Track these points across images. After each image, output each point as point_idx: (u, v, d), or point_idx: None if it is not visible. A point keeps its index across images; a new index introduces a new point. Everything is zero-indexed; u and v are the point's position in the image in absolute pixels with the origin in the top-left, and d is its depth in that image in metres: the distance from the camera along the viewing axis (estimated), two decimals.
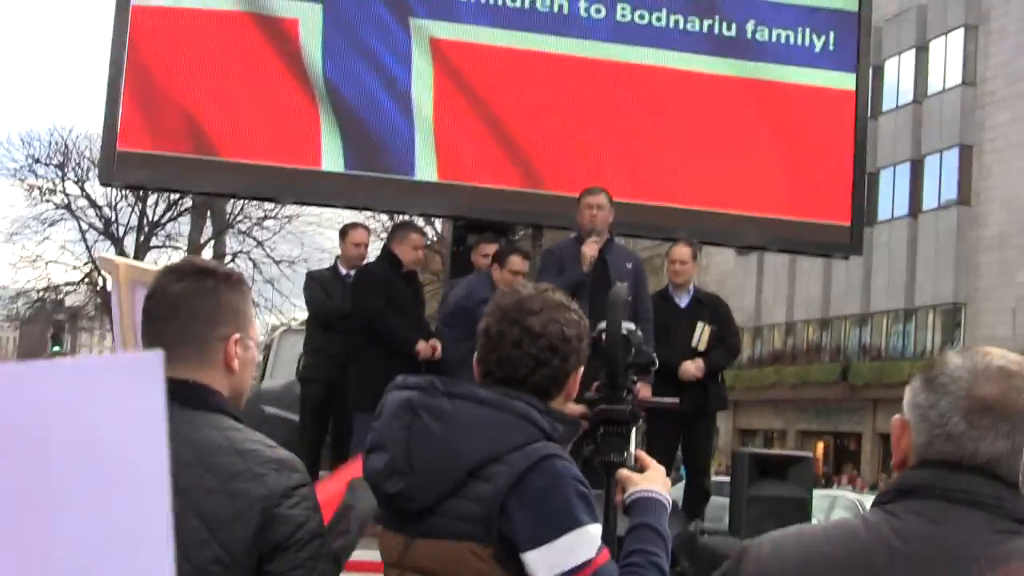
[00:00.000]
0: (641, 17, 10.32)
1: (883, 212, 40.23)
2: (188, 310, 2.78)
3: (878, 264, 39.71)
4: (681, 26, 10.40)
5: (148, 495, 0.85)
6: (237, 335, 2.82)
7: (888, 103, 40.91)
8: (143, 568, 0.84)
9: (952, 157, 38.43)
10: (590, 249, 8.50)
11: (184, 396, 2.66)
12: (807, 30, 10.62)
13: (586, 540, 2.86)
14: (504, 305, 3.11)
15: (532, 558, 2.84)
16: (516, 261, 8.75)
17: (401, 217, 14.61)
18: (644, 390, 4.30)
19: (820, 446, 43.79)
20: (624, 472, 3.22)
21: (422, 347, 8.79)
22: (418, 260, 9.49)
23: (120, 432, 0.84)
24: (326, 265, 11.05)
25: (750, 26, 10.51)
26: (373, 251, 11.16)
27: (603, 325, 3.39)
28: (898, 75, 40.94)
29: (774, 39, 10.56)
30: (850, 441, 44.15)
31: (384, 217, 28.96)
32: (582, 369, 3.16)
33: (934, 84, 39.51)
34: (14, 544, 0.79)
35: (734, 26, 10.49)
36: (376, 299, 8.87)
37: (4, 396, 0.82)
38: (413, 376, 3.16)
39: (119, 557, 0.83)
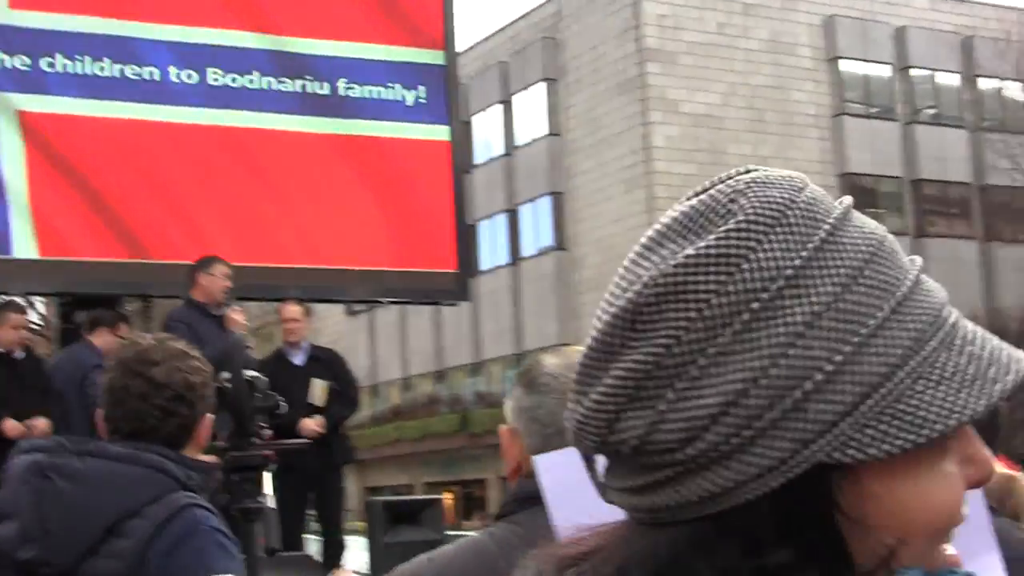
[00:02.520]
0: (233, 80, 10.30)
1: (485, 262, 41.36)
2: None
3: (485, 313, 40.78)
4: (274, 87, 10.44)
5: None
6: None
7: (480, 156, 42.18)
8: None
9: (545, 205, 40.01)
10: (241, 316, 8.56)
11: None
12: (397, 85, 10.86)
13: None
14: (125, 358, 3.09)
15: None
16: (124, 328, 8.69)
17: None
18: None
19: (448, 496, 44.42)
20: None
21: (8, 426, 8.50)
22: (21, 340, 9.15)
23: None
24: None
25: (341, 84, 10.66)
26: None
27: (227, 374, 3.40)
28: (487, 130, 42.31)
29: (366, 95, 10.74)
30: (476, 488, 44.97)
31: None
32: (210, 416, 3.17)
33: (522, 136, 41.05)
34: None
35: (326, 85, 10.62)
36: None
37: None
38: (39, 439, 3.08)
39: None
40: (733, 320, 0.92)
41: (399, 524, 9.03)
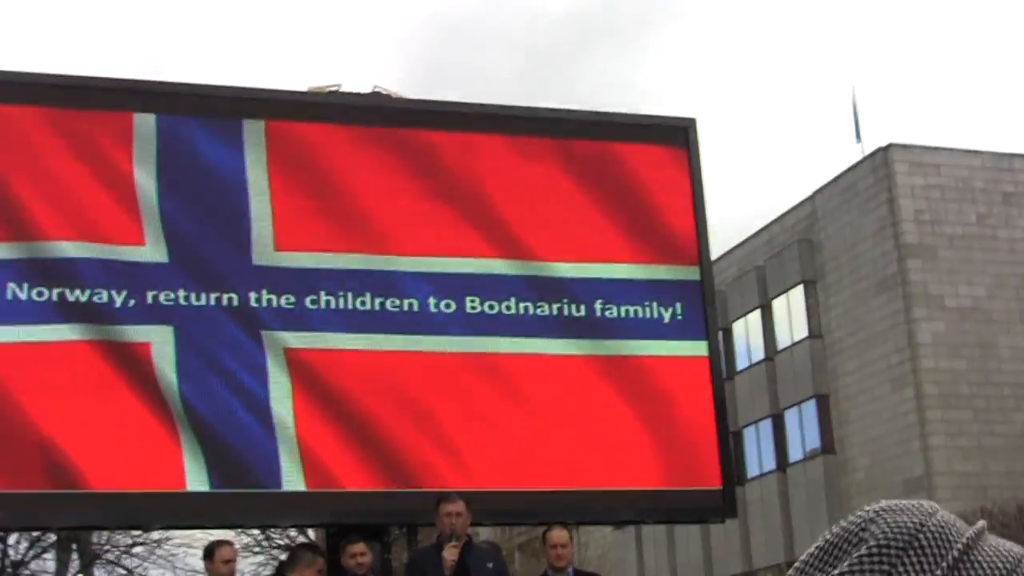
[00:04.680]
0: (491, 307, 10.45)
1: (752, 469, 40.61)
2: None
3: (754, 521, 39.84)
4: (531, 312, 10.55)
5: None
6: None
7: (741, 362, 41.77)
8: None
9: (810, 408, 39.16)
10: (450, 554, 8.68)
11: None
12: (654, 303, 10.84)
13: None
14: None
15: None
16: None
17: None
18: None
19: None
20: None
21: None
22: None
23: None
24: None
25: (598, 305, 10.70)
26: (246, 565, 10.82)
27: None
28: (747, 335, 41.94)
29: (623, 315, 10.75)
30: None
31: (256, 530, 28.34)
32: None
33: (782, 340, 40.52)
34: None
35: (583, 307, 10.66)
36: None
37: None
38: None
39: None
40: None
41: None
